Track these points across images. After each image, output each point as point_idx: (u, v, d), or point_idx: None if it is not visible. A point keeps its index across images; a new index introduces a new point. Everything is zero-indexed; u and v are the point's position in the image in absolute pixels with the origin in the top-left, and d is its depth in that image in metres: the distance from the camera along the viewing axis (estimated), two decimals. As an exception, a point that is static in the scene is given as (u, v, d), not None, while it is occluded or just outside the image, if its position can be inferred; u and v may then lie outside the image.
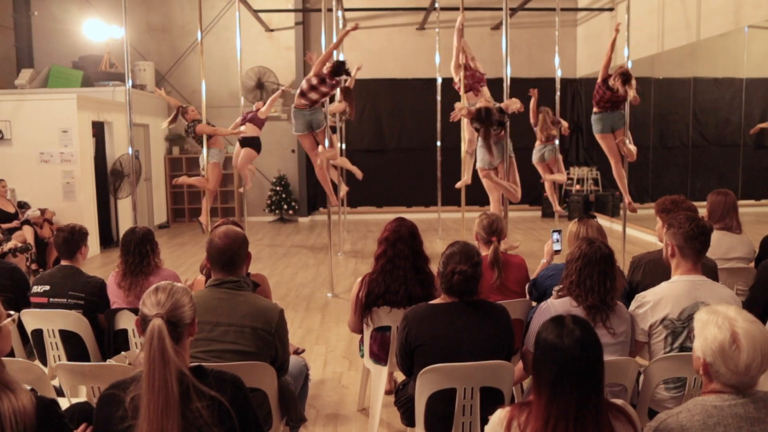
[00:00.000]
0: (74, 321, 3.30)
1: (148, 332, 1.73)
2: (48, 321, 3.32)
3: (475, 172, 7.72)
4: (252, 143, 8.82)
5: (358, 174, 9.16)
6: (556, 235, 3.70)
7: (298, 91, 7.37)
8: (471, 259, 2.59)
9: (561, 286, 2.72)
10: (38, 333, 3.36)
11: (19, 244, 4.49)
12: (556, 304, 2.65)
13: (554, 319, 1.78)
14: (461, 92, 7.06)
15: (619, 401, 1.84)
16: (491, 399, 2.52)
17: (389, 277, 3.25)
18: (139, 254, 3.44)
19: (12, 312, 1.95)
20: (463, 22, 7.32)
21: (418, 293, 3.22)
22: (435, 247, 8.97)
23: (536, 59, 12.27)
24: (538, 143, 8.53)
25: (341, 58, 7.60)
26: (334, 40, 9.16)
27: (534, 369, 1.76)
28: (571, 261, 2.66)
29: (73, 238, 3.56)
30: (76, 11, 11.70)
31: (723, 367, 1.71)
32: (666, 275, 2.85)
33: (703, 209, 3.95)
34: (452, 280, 2.56)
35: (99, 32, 11.03)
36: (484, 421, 2.44)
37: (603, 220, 8.60)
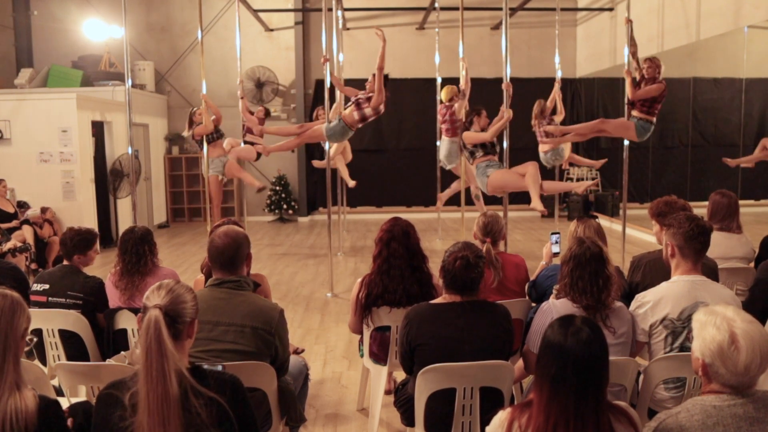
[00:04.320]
0: (74, 321, 3.30)
1: (145, 322, 1.71)
2: (48, 321, 3.32)
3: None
4: None
5: (350, 183, 9.16)
6: (555, 237, 3.70)
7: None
8: (473, 250, 2.62)
9: (558, 286, 2.73)
10: (38, 333, 3.36)
11: (19, 244, 4.48)
12: (557, 305, 2.65)
13: (563, 319, 1.78)
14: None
15: (621, 403, 1.83)
16: (491, 399, 2.52)
17: (386, 277, 3.26)
18: (135, 254, 3.42)
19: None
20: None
21: (416, 291, 3.23)
22: (435, 247, 8.97)
23: (536, 59, 12.27)
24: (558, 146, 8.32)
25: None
26: (334, 40, 9.16)
27: (537, 367, 1.76)
28: (564, 263, 2.67)
29: (75, 245, 3.55)
30: (75, 11, 11.69)
31: (722, 368, 1.71)
32: (666, 275, 2.85)
33: (703, 209, 3.95)
34: (454, 266, 2.57)
35: (99, 32, 11.02)
36: (484, 422, 2.44)
37: (603, 220, 8.58)
